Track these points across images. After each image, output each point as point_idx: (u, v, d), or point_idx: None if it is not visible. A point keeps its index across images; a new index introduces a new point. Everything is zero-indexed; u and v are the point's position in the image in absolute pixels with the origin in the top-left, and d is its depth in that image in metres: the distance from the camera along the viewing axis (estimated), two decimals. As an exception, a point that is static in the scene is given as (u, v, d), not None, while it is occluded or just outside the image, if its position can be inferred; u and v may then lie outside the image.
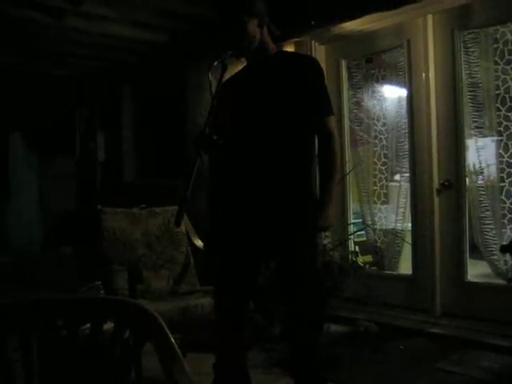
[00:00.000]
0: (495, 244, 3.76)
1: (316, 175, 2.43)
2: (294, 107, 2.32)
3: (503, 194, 3.75)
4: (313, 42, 4.49)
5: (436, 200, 3.93)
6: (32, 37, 4.89)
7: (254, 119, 2.36)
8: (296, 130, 2.33)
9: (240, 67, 2.56)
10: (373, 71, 4.45)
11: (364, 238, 4.56)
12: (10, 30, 4.65)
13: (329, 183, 2.35)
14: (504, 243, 3.53)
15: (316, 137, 2.40)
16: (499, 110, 3.71)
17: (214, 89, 2.28)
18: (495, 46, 3.70)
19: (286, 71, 2.36)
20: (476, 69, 3.79)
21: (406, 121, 4.18)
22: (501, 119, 3.72)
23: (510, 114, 3.67)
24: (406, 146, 4.19)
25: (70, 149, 6.64)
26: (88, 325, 1.27)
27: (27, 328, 1.26)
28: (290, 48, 4.48)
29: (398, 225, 4.34)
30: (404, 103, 4.20)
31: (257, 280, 2.49)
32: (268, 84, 2.36)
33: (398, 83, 4.30)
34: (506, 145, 3.71)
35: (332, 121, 2.39)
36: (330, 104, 2.42)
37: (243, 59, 2.48)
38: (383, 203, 4.51)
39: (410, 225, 4.21)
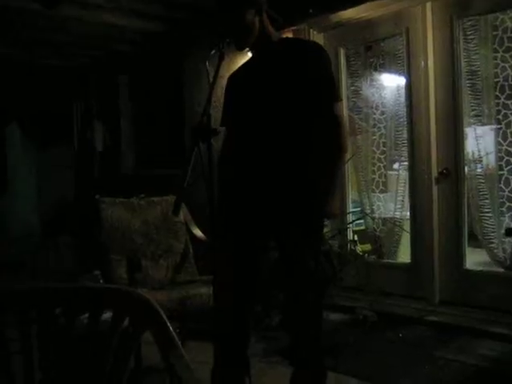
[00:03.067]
0: (494, 232, 3.77)
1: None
2: (300, 95, 2.30)
3: (502, 182, 3.75)
4: (311, 30, 4.46)
5: (435, 188, 3.93)
6: (28, 27, 4.86)
7: (262, 110, 2.35)
8: (303, 117, 2.32)
9: (239, 56, 2.55)
10: (372, 59, 4.44)
11: (363, 227, 4.57)
12: (6, 20, 4.62)
13: (334, 171, 2.34)
14: (508, 227, 3.54)
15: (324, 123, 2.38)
16: (498, 98, 3.70)
17: (211, 78, 2.27)
18: (494, 33, 3.68)
19: (290, 59, 2.33)
20: (475, 56, 3.77)
21: (404, 109, 4.17)
22: (500, 107, 3.71)
23: (508, 102, 3.66)
24: (405, 135, 4.18)
25: (68, 139, 6.63)
26: (87, 314, 1.27)
27: (25, 317, 1.26)
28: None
29: (397, 213, 4.35)
30: (403, 91, 4.18)
31: (261, 269, 2.49)
32: (273, 73, 2.35)
33: (397, 71, 4.29)
34: (505, 133, 3.71)
35: (339, 107, 2.38)
36: (337, 89, 2.41)
37: (245, 50, 2.47)
38: (382, 192, 4.51)
39: (408, 213, 4.22)
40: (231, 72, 2.58)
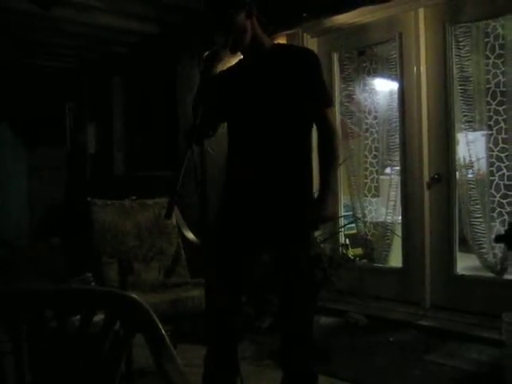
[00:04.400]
0: (484, 237, 3.78)
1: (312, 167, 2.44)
2: (291, 101, 2.31)
3: (493, 187, 3.77)
4: (304, 34, 4.48)
5: (426, 193, 3.95)
6: (21, 28, 4.85)
7: (252, 114, 2.35)
8: (295, 123, 2.33)
9: (232, 59, 2.55)
10: (364, 64, 4.46)
11: (354, 231, 4.58)
12: (0, 20, 4.60)
13: (329, 175, 2.35)
14: (498, 234, 3.55)
15: (316, 129, 2.39)
16: (489, 104, 3.73)
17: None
18: (486, 40, 3.71)
19: (282, 65, 2.34)
20: (467, 63, 3.79)
21: (397, 114, 4.18)
22: (491, 113, 3.73)
23: (500, 108, 3.69)
24: (397, 140, 4.20)
25: (61, 140, 6.60)
26: (78, 316, 1.27)
27: (16, 319, 1.26)
28: (281, 41, 4.46)
29: (389, 218, 4.36)
30: (395, 96, 4.20)
31: (252, 273, 2.50)
32: (265, 78, 2.35)
33: (390, 76, 4.31)
34: (496, 139, 3.73)
35: (332, 112, 2.40)
36: (329, 95, 2.44)
37: (238, 54, 2.47)
38: (374, 196, 4.52)
39: (400, 218, 4.24)
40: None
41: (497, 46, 3.66)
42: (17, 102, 6.12)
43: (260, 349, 3.47)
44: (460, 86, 3.82)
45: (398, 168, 4.24)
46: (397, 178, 4.26)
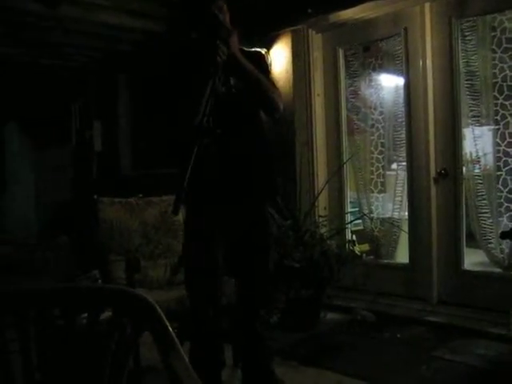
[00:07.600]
0: (492, 232, 3.77)
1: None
2: None
3: (500, 182, 3.75)
4: (310, 30, 4.47)
5: (433, 189, 3.94)
6: (27, 27, 4.85)
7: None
8: None
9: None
10: (370, 60, 4.44)
11: (361, 227, 4.57)
12: (6, 20, 4.61)
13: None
14: (504, 230, 3.54)
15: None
16: (496, 99, 3.71)
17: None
18: (493, 34, 3.69)
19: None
20: (473, 57, 3.77)
21: (403, 109, 4.17)
22: (498, 108, 3.71)
23: (507, 103, 3.67)
24: (403, 135, 4.19)
25: (67, 139, 6.62)
26: (86, 314, 1.27)
27: (24, 318, 1.26)
28: (286, 37, 4.46)
29: (395, 213, 4.35)
30: (401, 92, 4.19)
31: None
32: None
33: (396, 72, 4.29)
34: (503, 134, 3.71)
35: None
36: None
37: None
38: (380, 192, 4.51)
39: (406, 213, 4.22)
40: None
41: (503, 40, 3.64)
42: (23, 100, 6.13)
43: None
44: (466, 80, 3.80)
45: (404, 163, 4.23)
46: (403, 174, 4.25)
